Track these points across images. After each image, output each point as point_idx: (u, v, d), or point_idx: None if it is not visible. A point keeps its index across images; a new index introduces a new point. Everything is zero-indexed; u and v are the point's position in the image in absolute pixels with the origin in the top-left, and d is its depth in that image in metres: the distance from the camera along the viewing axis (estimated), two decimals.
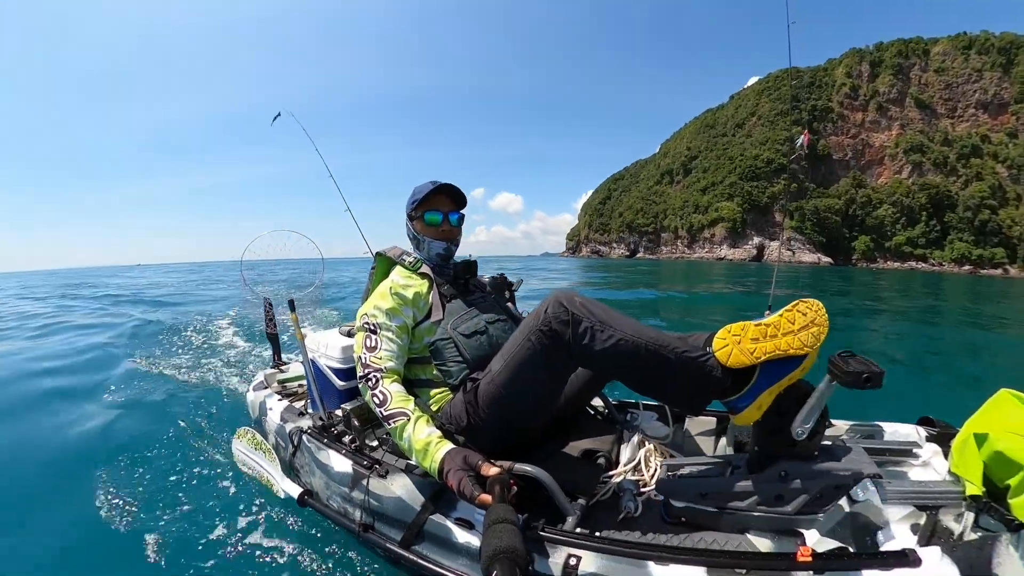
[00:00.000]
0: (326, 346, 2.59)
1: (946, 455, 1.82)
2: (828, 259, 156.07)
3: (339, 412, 2.43)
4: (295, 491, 2.18)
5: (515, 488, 1.45)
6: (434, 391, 1.98)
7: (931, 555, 1.25)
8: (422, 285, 2.02)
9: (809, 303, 1.45)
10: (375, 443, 2.29)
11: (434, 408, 1.94)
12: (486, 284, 2.33)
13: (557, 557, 1.41)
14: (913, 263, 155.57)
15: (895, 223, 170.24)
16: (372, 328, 1.89)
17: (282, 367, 3.50)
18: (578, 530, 1.53)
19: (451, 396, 1.92)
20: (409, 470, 1.90)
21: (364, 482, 1.92)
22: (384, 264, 2.19)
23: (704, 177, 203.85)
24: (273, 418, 2.70)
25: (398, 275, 2.06)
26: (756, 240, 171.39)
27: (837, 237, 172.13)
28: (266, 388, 3.09)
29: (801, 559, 1.26)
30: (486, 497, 1.39)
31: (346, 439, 2.25)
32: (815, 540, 1.45)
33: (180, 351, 6.75)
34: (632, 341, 1.48)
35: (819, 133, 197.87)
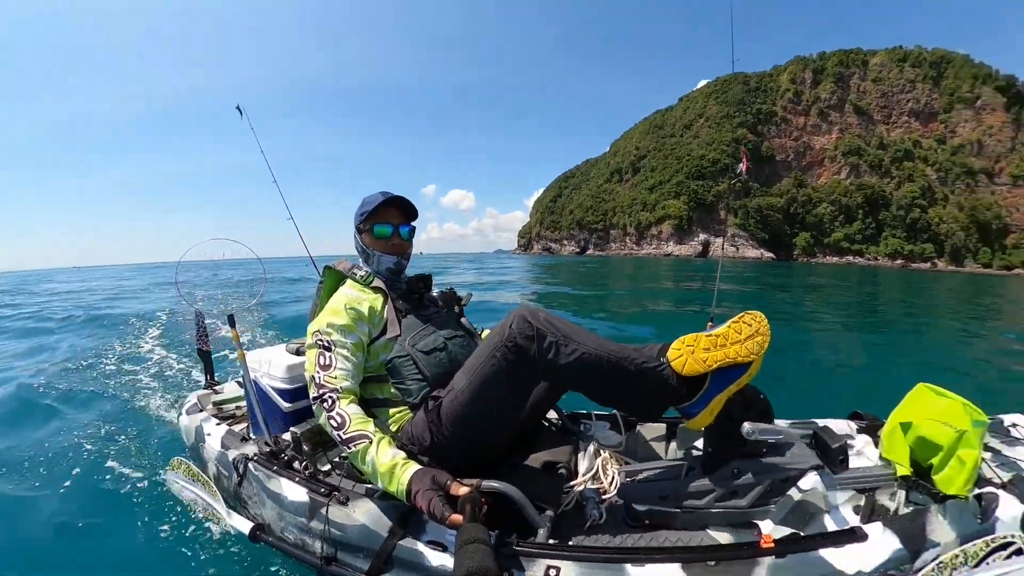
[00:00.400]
0: (269, 364, 2.41)
1: (876, 444, 2.05)
2: (771, 254, 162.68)
3: (287, 436, 2.25)
4: (245, 526, 1.96)
5: (486, 507, 1.43)
6: (392, 410, 1.90)
7: (875, 530, 1.44)
8: (376, 300, 1.94)
9: (753, 315, 1.55)
10: (326, 467, 2.14)
11: (393, 428, 1.86)
12: (437, 299, 2.22)
13: (536, 570, 1.41)
14: (850, 258, 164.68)
15: (834, 220, 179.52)
16: (325, 345, 1.79)
17: (216, 388, 3.15)
18: (551, 541, 1.54)
19: (410, 415, 1.86)
20: (371, 494, 1.78)
21: (323, 510, 1.77)
22: (333, 278, 2.08)
23: (652, 176, 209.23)
24: (212, 445, 2.43)
25: (350, 289, 1.95)
26: (702, 237, 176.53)
27: (779, 234, 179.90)
28: (201, 411, 2.78)
29: (764, 546, 1.38)
30: (457, 517, 1.37)
31: (297, 465, 2.06)
32: (769, 529, 1.57)
33: (98, 369, 5.85)
34: (595, 354, 1.54)
35: (763, 135, 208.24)
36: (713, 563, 1.38)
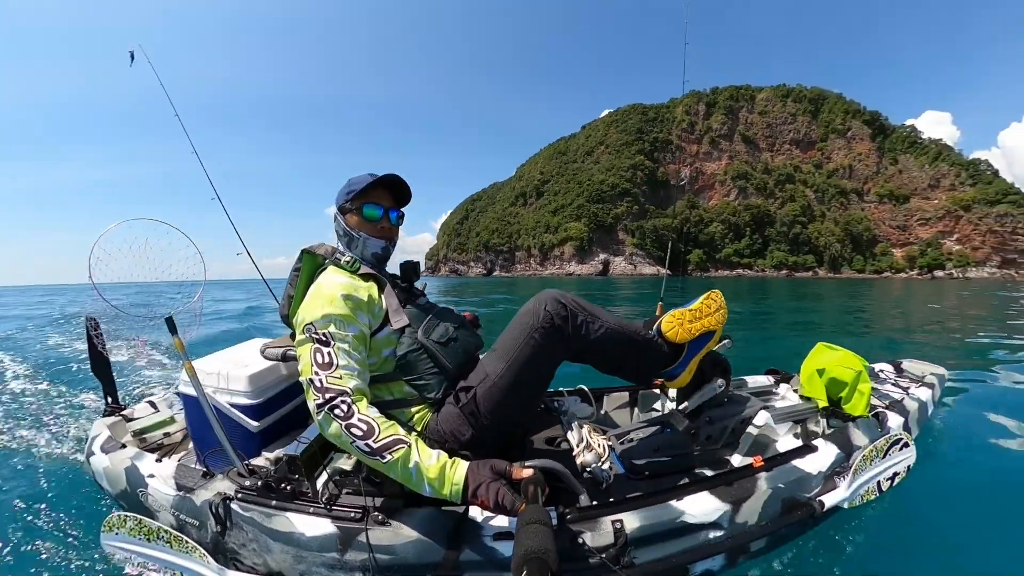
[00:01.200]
0: (226, 378, 1.99)
1: (794, 390, 2.66)
2: (666, 270, 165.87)
3: (263, 462, 1.92)
4: None
5: (547, 489, 1.39)
6: (411, 410, 1.68)
7: (821, 444, 1.95)
8: (370, 287, 1.68)
9: (715, 294, 1.90)
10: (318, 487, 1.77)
11: (418, 429, 1.66)
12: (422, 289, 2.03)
13: (604, 527, 1.52)
14: (740, 270, 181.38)
15: (724, 237, 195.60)
16: (322, 339, 1.49)
17: (122, 412, 2.53)
18: (594, 503, 1.64)
19: (432, 413, 1.68)
20: (411, 503, 1.60)
21: (361, 537, 1.52)
22: (311, 264, 1.77)
23: (555, 200, 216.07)
24: (163, 488, 1.88)
25: (339, 275, 1.65)
26: (602, 256, 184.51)
27: (674, 251, 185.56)
28: (121, 447, 2.15)
29: (757, 465, 1.77)
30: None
31: (286, 488, 1.74)
32: (739, 460, 2.04)
33: None
34: (615, 329, 1.69)
35: (659, 162, 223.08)
36: (729, 484, 1.70)
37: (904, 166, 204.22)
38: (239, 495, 1.71)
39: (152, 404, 2.64)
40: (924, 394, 2.63)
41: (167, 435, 2.48)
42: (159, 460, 2.00)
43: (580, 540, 1.46)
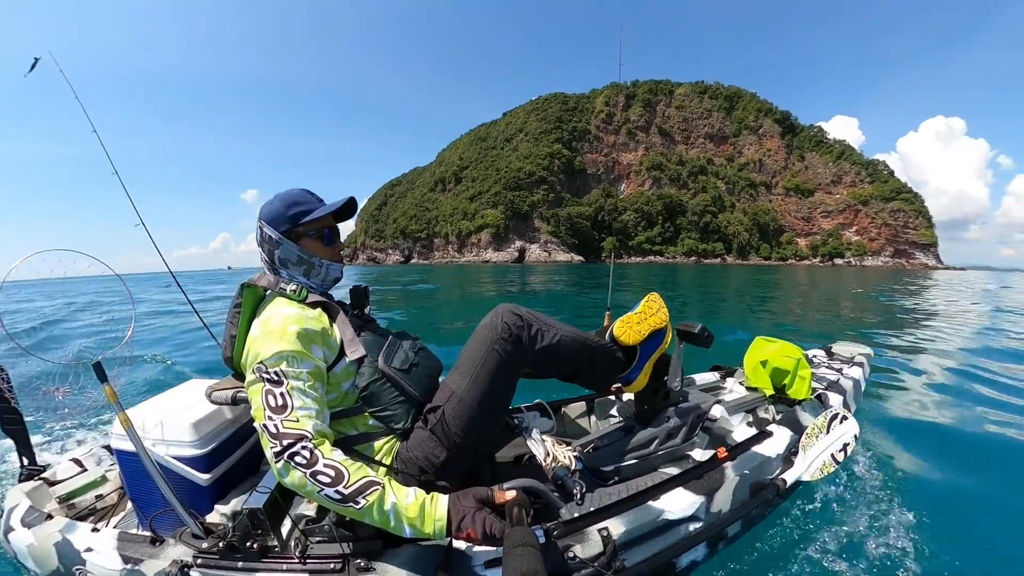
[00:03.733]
0: (163, 427, 1.70)
1: (740, 382, 2.84)
2: (580, 258, 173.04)
3: (218, 518, 1.70)
4: None
5: (532, 510, 1.36)
6: (377, 443, 1.57)
7: (775, 429, 2.11)
8: (321, 317, 1.53)
9: (654, 296, 2.02)
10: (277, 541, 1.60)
11: (387, 462, 1.55)
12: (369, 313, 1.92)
13: (591, 537, 1.51)
14: (652, 257, 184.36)
15: (637, 226, 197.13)
16: (274, 379, 1.33)
17: (43, 475, 2.14)
18: (575, 515, 1.64)
19: (399, 443, 1.60)
20: (390, 544, 1.47)
21: None
22: (253, 299, 1.58)
23: (473, 186, 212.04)
24: (105, 563, 1.60)
25: (287, 307, 1.48)
26: (518, 244, 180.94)
27: (588, 239, 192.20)
28: (48, 518, 1.81)
29: (722, 457, 1.86)
30: None
31: (251, 546, 1.53)
32: (700, 454, 2.12)
33: None
34: (569, 337, 1.73)
35: (577, 151, 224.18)
36: (699, 478, 1.77)
37: (810, 163, 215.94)
38: (199, 560, 1.49)
39: (77, 462, 2.21)
40: (856, 372, 2.90)
41: (99, 497, 2.10)
42: (95, 529, 1.71)
43: (571, 553, 1.45)
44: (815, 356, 3.25)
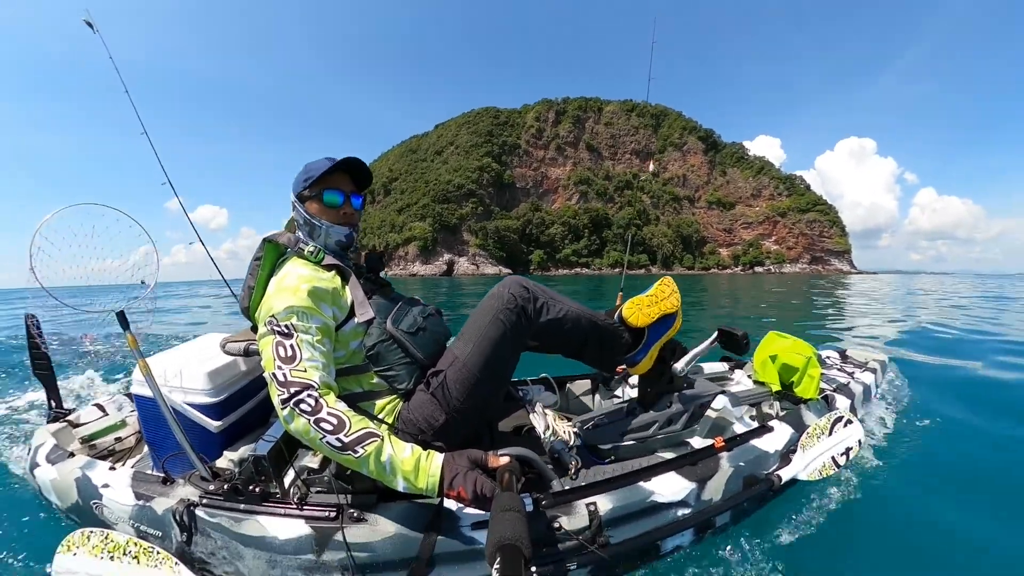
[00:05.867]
0: (181, 375, 1.80)
1: (748, 375, 2.78)
2: (508, 270, 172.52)
3: (226, 463, 1.79)
4: None
5: (523, 477, 1.39)
6: (380, 402, 1.60)
7: (776, 425, 2.05)
8: (334, 279, 1.58)
9: (667, 280, 1.93)
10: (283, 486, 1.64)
11: (389, 421, 1.58)
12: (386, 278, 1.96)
13: (579, 510, 1.51)
14: (579, 269, 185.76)
15: (564, 239, 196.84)
16: (284, 331, 1.38)
17: (68, 417, 2.26)
18: (566, 487, 1.63)
19: (402, 403, 1.62)
20: (382, 498, 1.51)
21: (337, 536, 1.43)
22: (273, 254, 1.64)
23: (401, 198, 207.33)
24: (119, 498, 1.68)
25: (302, 267, 1.55)
26: (446, 257, 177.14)
27: (516, 251, 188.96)
28: (69, 456, 1.91)
29: (719, 446, 1.82)
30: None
31: (253, 490, 1.58)
32: (699, 443, 2.05)
33: None
34: (576, 313, 1.72)
35: (507, 165, 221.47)
36: (693, 464, 1.74)
37: (731, 178, 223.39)
38: (204, 500, 1.55)
39: (100, 407, 2.36)
40: (868, 378, 2.78)
41: (118, 440, 2.25)
42: (112, 468, 1.80)
43: (556, 524, 1.46)
44: (828, 357, 3.18)
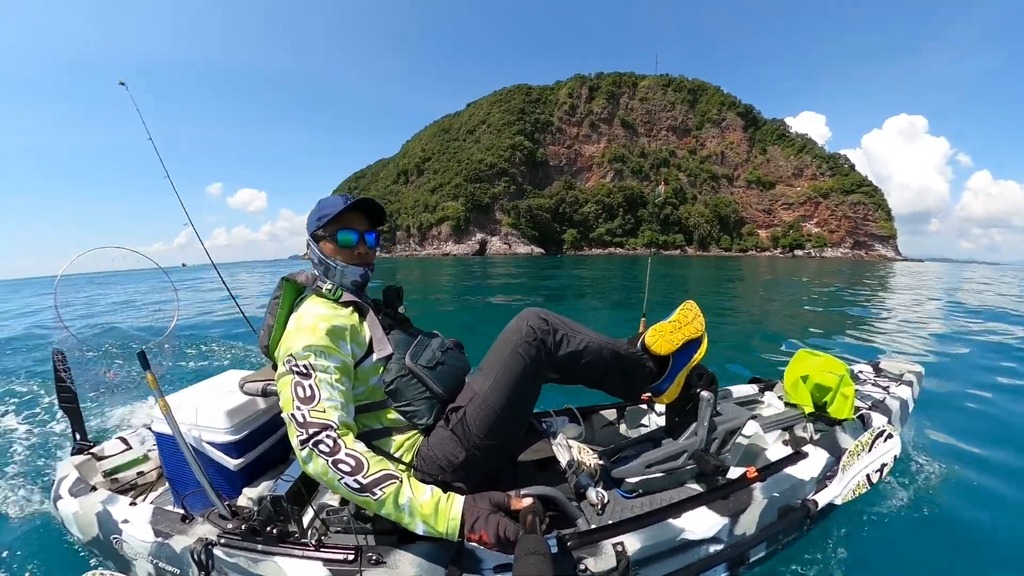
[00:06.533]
0: (197, 412, 1.84)
1: (779, 397, 2.64)
2: (540, 250, 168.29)
3: (245, 502, 1.79)
4: None
5: (547, 519, 1.36)
6: (400, 438, 1.59)
7: (811, 450, 1.98)
8: (352, 316, 1.60)
9: (690, 304, 1.86)
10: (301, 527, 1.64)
11: (408, 458, 1.57)
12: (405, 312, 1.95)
13: (605, 551, 1.46)
14: (612, 249, 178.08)
15: (598, 217, 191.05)
16: (303, 371, 1.39)
17: (91, 450, 2.31)
18: (592, 526, 1.60)
19: (422, 439, 1.61)
20: (404, 540, 1.50)
21: None
22: (291, 293, 1.66)
23: (434, 178, 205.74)
24: (138, 534, 1.70)
25: (320, 305, 1.56)
26: (479, 236, 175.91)
27: (549, 231, 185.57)
28: (92, 490, 1.95)
29: (752, 476, 1.76)
30: None
31: (272, 530, 1.58)
32: (731, 472, 1.96)
33: None
34: (597, 343, 1.69)
35: (539, 143, 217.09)
36: (725, 498, 1.68)
37: (772, 156, 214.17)
38: (222, 540, 1.56)
39: (123, 440, 2.38)
40: (904, 392, 2.63)
41: (140, 474, 2.27)
42: (133, 503, 1.82)
43: (583, 566, 1.41)
44: (861, 372, 3.00)
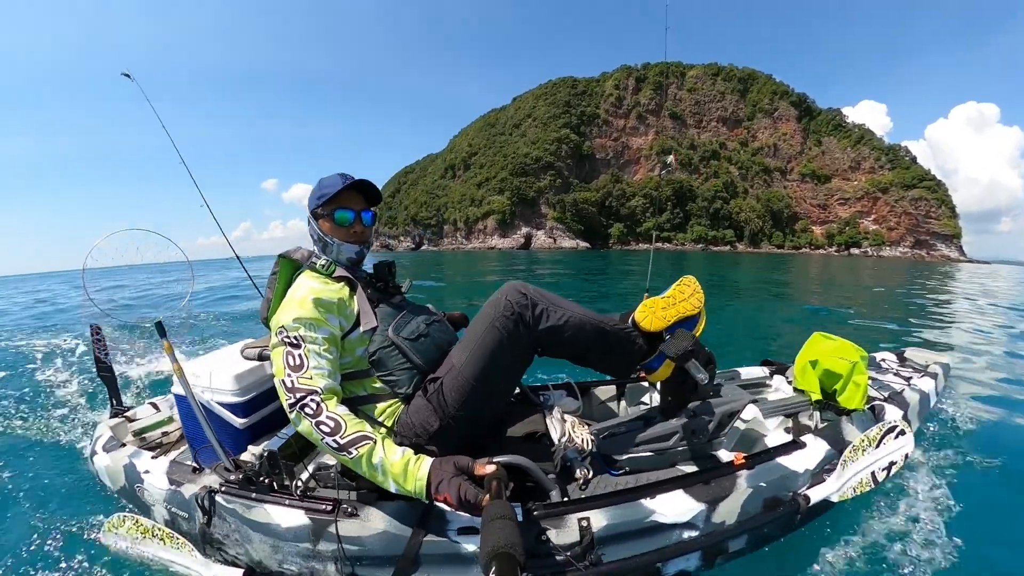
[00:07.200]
0: (211, 376, 2.00)
1: (788, 381, 2.51)
2: (586, 244, 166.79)
3: (248, 456, 1.92)
4: (234, 573, 1.69)
5: (511, 484, 1.39)
6: (382, 405, 1.68)
7: (810, 440, 1.89)
8: (342, 290, 1.69)
9: (688, 279, 1.80)
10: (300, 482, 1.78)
11: (388, 423, 1.66)
12: (400, 286, 2.02)
13: (570, 524, 1.48)
14: (660, 244, 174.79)
15: (645, 212, 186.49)
16: (293, 342, 1.50)
17: (126, 413, 2.59)
18: (564, 499, 1.62)
19: (402, 407, 1.70)
20: (379, 497, 1.61)
21: (331, 528, 1.55)
22: (288, 268, 1.80)
23: (480, 172, 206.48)
24: (156, 483, 1.95)
25: (312, 280, 1.67)
26: (524, 230, 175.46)
27: (595, 225, 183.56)
28: (122, 446, 2.25)
29: (738, 463, 1.71)
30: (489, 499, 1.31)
31: (275, 486, 1.75)
32: (726, 456, 1.91)
33: None
34: (579, 318, 1.68)
35: (586, 136, 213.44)
36: (706, 483, 1.64)
37: (827, 148, 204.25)
38: (223, 488, 1.75)
39: (154, 405, 2.67)
40: (927, 385, 2.48)
41: (165, 434, 2.52)
42: (155, 457, 2.08)
43: (544, 537, 1.44)
44: (883, 360, 2.86)
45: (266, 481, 1.68)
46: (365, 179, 1.74)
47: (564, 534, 1.46)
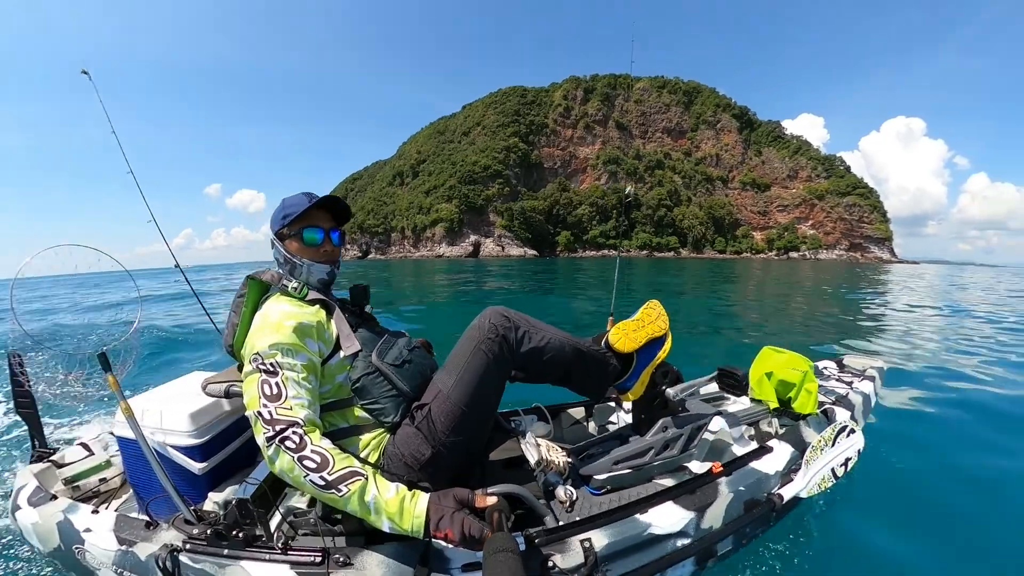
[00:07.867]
0: (162, 416, 1.76)
1: (744, 393, 2.68)
2: (533, 252, 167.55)
3: (211, 506, 1.74)
4: None
5: (512, 516, 1.36)
6: (366, 436, 1.56)
7: (776, 444, 2.03)
8: (319, 313, 1.57)
9: (653, 303, 1.92)
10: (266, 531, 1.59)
11: (374, 457, 1.55)
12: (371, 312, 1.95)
13: (574, 547, 1.46)
14: (606, 251, 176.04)
15: (592, 220, 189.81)
16: (270, 369, 1.36)
17: (51, 457, 2.20)
18: (560, 523, 1.60)
19: (388, 437, 1.59)
20: (372, 541, 1.46)
21: None
22: (257, 291, 1.67)
23: (429, 180, 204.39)
24: (101, 543, 1.64)
25: (285, 303, 1.54)
26: (472, 238, 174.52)
27: (542, 233, 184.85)
28: (52, 498, 1.88)
29: (717, 471, 1.79)
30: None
31: (238, 535, 1.53)
32: (697, 467, 1.98)
33: None
34: (559, 341, 1.69)
35: (534, 145, 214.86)
36: (692, 493, 1.71)
37: (767, 158, 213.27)
38: (187, 545, 1.52)
39: (85, 446, 2.27)
40: (867, 387, 2.70)
41: (103, 481, 2.16)
42: (95, 511, 1.76)
43: (550, 563, 1.41)
44: (825, 368, 3.08)
45: (239, 534, 1.45)
46: (333, 195, 1.61)
47: (569, 557, 1.43)
